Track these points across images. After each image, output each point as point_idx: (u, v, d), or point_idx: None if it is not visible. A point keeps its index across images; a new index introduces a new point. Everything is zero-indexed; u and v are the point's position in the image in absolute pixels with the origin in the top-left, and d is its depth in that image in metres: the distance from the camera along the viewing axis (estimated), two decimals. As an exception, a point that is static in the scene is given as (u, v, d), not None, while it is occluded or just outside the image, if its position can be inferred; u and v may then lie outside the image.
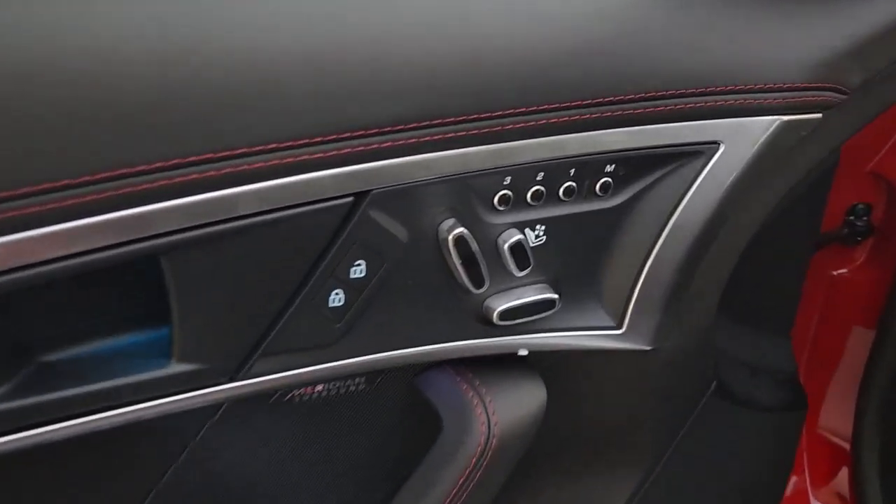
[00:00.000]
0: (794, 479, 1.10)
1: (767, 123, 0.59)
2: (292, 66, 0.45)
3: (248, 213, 0.46)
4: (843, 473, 1.11)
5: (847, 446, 1.09)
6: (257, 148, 0.44)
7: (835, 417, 1.10)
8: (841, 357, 1.10)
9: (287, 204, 0.47)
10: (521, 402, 0.61)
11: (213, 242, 0.46)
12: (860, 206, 1.02)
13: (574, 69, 0.53)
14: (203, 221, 0.45)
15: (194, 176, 0.43)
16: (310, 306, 0.51)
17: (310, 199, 0.48)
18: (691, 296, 0.64)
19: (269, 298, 0.50)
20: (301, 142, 0.46)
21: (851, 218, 1.02)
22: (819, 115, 0.61)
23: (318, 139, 0.46)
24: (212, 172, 0.44)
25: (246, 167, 0.44)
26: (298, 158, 0.46)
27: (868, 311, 1.04)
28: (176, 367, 0.49)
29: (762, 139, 0.59)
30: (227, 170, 0.44)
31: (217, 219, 0.45)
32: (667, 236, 0.60)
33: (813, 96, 0.59)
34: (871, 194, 1.02)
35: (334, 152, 0.47)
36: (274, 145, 0.45)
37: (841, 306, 1.07)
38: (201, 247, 0.46)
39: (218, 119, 0.43)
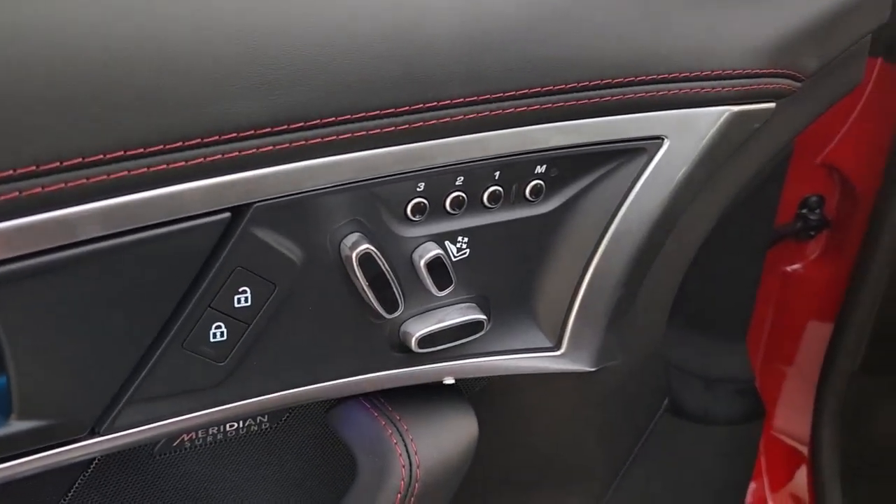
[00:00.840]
0: (751, 484, 1.06)
1: (716, 115, 0.52)
2: (137, 56, 0.37)
3: (93, 236, 0.37)
4: (800, 476, 1.07)
5: (803, 448, 1.05)
6: (97, 157, 0.36)
7: (791, 419, 1.07)
8: (796, 356, 1.07)
9: (143, 224, 0.38)
10: (447, 438, 0.54)
11: (49, 274, 0.37)
12: (813, 198, 0.98)
13: (494, 57, 0.45)
14: (33, 249, 0.36)
15: (13, 195, 0.35)
16: (184, 344, 0.43)
17: (173, 217, 0.39)
18: (637, 309, 0.58)
19: (131, 337, 0.41)
20: (155, 148, 0.37)
21: (804, 211, 0.99)
22: (773, 105, 0.55)
23: (178, 144, 0.38)
24: (37, 189, 0.35)
25: (84, 181, 0.36)
26: (154, 168, 0.37)
27: (823, 307, 1.00)
28: (17, 425, 0.40)
29: (711, 132, 0.53)
30: (58, 185, 0.35)
31: (52, 245, 0.37)
32: (608, 244, 0.53)
33: (766, 84, 0.53)
34: (824, 186, 0.98)
35: (200, 160, 0.38)
36: (121, 153, 0.36)
37: (795, 304, 1.04)
38: (34, 279, 0.37)
39: (43, 121, 0.35)
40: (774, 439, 1.09)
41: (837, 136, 0.94)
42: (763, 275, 0.99)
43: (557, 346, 0.55)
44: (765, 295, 1.02)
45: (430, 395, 0.55)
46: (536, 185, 0.51)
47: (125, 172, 0.37)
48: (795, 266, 1.03)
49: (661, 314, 0.62)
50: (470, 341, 0.52)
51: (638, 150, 0.51)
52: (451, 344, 0.51)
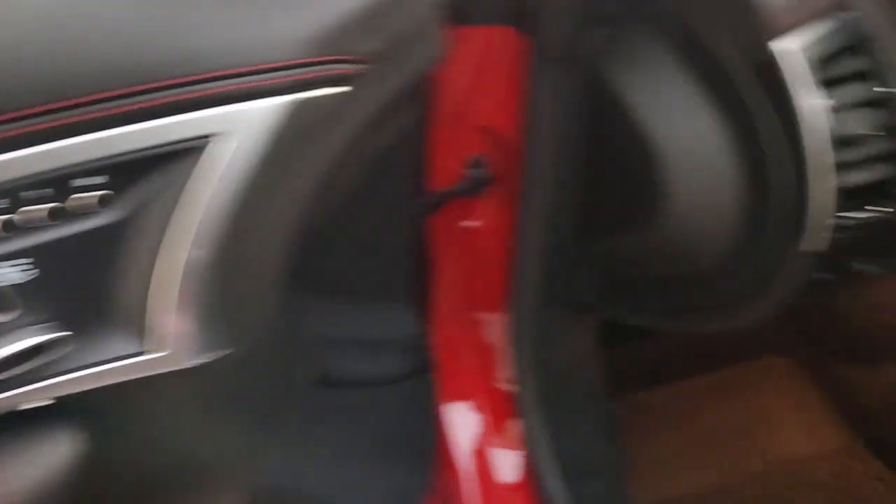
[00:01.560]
0: (475, 431, 1.13)
1: (273, 106, 0.54)
2: None
3: None
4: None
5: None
6: None
7: (503, 364, 1.14)
8: (498, 306, 1.14)
9: None
10: (43, 460, 0.53)
11: None
12: (476, 158, 1.05)
13: (7, 73, 0.44)
14: None
15: None
16: None
17: None
18: (238, 297, 0.59)
19: None
20: None
21: (471, 171, 1.05)
22: (343, 89, 0.57)
23: None
24: None
25: None
26: None
27: (504, 255, 1.07)
28: None
29: (271, 123, 0.54)
30: None
31: None
32: (171, 245, 0.53)
33: (323, 71, 0.56)
34: (486, 147, 1.05)
35: None
36: None
37: (481, 257, 1.10)
38: None
39: None
40: (492, 387, 1.16)
41: (490, 102, 1.01)
42: (444, 236, 1.04)
43: (149, 350, 0.56)
44: (451, 255, 1.08)
45: (21, 421, 0.53)
46: (96, 196, 0.50)
47: None
48: (473, 222, 1.09)
49: (267, 298, 0.64)
50: (52, 361, 0.52)
51: (190, 150, 0.52)
52: (20, 369, 0.50)
